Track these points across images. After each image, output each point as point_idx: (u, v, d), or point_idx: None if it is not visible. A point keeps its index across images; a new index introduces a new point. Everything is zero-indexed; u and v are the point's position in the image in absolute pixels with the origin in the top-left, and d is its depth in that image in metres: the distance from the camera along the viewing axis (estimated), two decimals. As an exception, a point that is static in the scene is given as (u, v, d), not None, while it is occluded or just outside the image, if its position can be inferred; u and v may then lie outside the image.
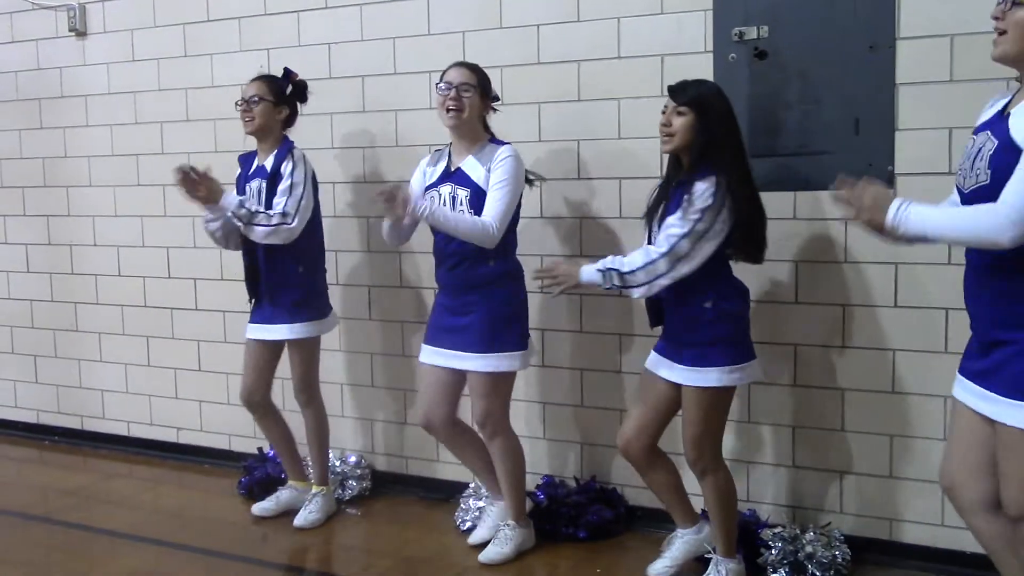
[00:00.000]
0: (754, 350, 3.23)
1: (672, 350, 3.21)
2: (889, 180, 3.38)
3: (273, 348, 4.05)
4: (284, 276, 3.93)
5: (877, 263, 3.45)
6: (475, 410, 3.61)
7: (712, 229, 3.03)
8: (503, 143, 3.55)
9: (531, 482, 4.05)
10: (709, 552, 3.38)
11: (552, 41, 3.93)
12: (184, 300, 4.97)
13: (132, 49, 4.96)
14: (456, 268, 3.53)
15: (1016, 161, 2.22)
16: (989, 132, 2.36)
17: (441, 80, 3.52)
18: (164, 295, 5.02)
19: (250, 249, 3.95)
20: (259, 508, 4.21)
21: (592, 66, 3.86)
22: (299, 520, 4.07)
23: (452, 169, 3.54)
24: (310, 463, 4.21)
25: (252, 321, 4.04)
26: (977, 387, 2.43)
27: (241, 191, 3.99)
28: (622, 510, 3.92)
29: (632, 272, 3.07)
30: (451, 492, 4.27)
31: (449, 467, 4.31)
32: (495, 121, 3.68)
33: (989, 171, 2.29)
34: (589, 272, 3.14)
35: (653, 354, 3.31)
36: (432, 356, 3.65)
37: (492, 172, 3.45)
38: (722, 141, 3.09)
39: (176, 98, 4.85)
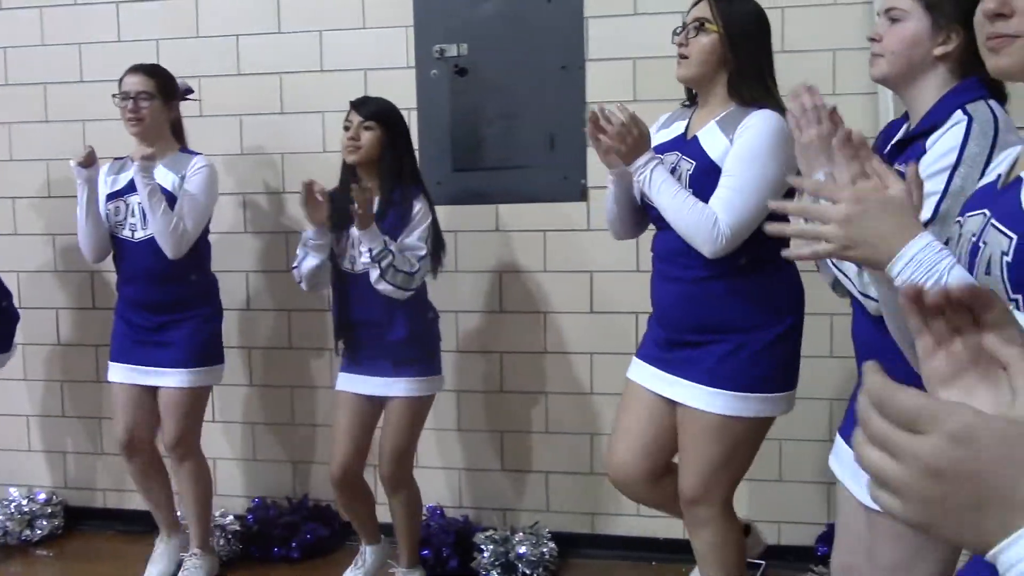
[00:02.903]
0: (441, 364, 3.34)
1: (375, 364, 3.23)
2: (582, 194, 3.60)
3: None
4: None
5: (573, 272, 3.64)
6: (169, 431, 3.44)
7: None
8: (196, 153, 3.46)
9: (240, 505, 3.93)
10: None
11: (253, 52, 3.85)
12: None
13: None
14: (158, 283, 3.39)
15: (716, 179, 2.44)
16: (679, 153, 2.55)
17: (119, 88, 3.38)
18: None
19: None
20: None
21: (295, 78, 3.82)
22: None
23: None
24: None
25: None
26: (667, 373, 2.63)
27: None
28: (337, 527, 3.88)
29: (407, 272, 3.05)
30: (151, 524, 4.03)
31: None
32: (195, 133, 3.56)
33: (690, 190, 2.48)
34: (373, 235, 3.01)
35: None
36: (128, 374, 3.47)
37: (187, 181, 3.37)
38: (409, 155, 3.21)
39: None
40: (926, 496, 0.69)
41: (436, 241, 3.19)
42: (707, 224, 2.40)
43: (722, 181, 2.44)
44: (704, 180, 2.47)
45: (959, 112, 1.79)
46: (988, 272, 1.25)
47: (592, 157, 3.55)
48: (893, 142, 1.97)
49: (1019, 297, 1.22)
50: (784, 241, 2.57)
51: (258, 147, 3.89)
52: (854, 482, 1.98)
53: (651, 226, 2.74)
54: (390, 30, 3.71)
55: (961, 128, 1.76)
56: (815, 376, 3.35)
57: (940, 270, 1.25)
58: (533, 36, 3.60)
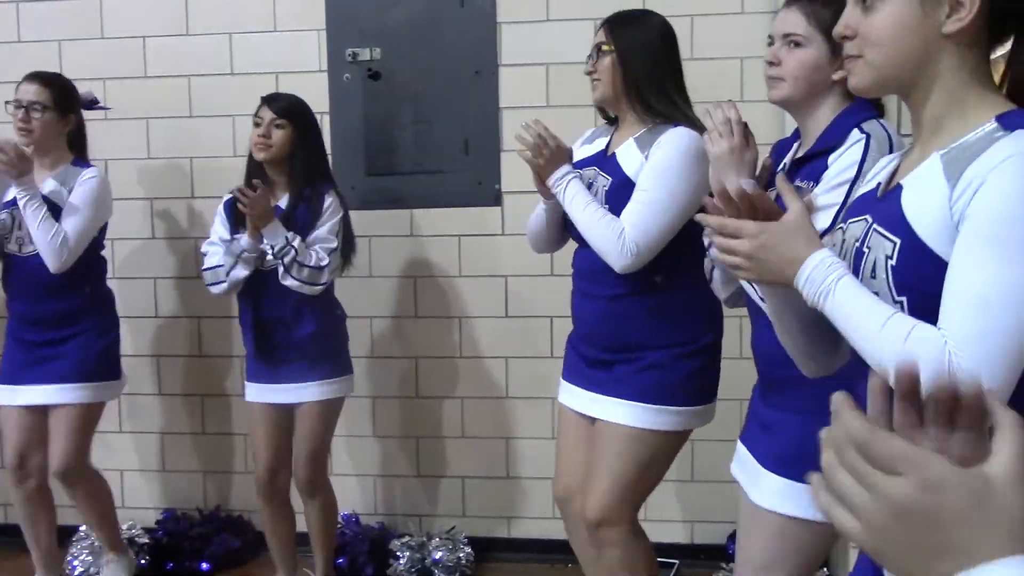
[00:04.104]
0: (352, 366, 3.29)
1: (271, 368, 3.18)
2: (496, 199, 3.61)
3: None
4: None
5: (488, 276, 3.65)
6: (56, 454, 3.25)
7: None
8: (88, 165, 3.32)
9: (150, 518, 3.84)
10: None
11: (160, 54, 3.77)
12: None
13: None
14: (47, 298, 3.24)
15: (630, 195, 2.47)
16: (597, 168, 2.59)
17: (15, 94, 3.24)
18: None
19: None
20: None
21: (203, 81, 3.75)
22: None
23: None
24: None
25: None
26: (587, 391, 2.62)
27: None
28: (250, 537, 3.82)
29: (313, 267, 3.01)
30: (59, 537, 3.91)
31: (61, 511, 3.95)
32: (101, 137, 3.47)
33: (606, 205, 2.50)
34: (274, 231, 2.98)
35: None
36: (16, 395, 3.30)
37: (73, 192, 3.22)
38: (320, 153, 3.18)
39: None
40: (887, 530, 0.71)
41: (347, 240, 3.16)
42: (614, 237, 2.42)
43: (634, 196, 2.46)
44: (620, 195, 2.50)
45: (856, 131, 1.91)
46: (874, 275, 1.31)
47: (507, 162, 3.57)
48: (791, 160, 2.06)
49: (904, 299, 1.27)
50: (700, 261, 2.63)
51: (166, 151, 3.81)
52: (748, 481, 2.08)
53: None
54: (302, 33, 3.68)
55: (860, 145, 1.88)
56: (727, 377, 3.38)
57: (828, 286, 1.33)
58: (446, 41, 3.61)
